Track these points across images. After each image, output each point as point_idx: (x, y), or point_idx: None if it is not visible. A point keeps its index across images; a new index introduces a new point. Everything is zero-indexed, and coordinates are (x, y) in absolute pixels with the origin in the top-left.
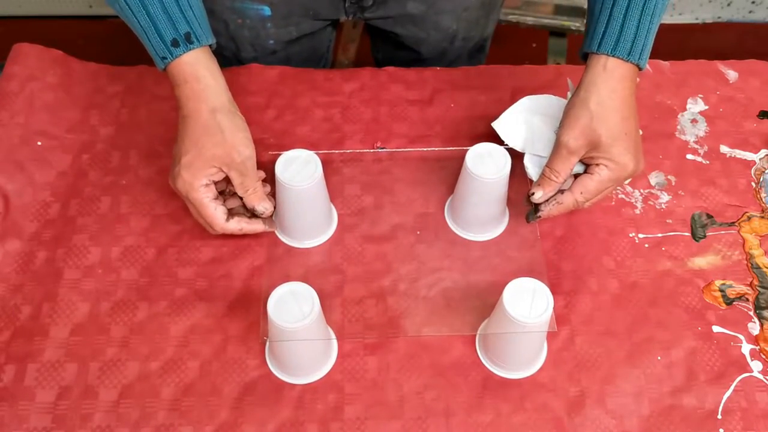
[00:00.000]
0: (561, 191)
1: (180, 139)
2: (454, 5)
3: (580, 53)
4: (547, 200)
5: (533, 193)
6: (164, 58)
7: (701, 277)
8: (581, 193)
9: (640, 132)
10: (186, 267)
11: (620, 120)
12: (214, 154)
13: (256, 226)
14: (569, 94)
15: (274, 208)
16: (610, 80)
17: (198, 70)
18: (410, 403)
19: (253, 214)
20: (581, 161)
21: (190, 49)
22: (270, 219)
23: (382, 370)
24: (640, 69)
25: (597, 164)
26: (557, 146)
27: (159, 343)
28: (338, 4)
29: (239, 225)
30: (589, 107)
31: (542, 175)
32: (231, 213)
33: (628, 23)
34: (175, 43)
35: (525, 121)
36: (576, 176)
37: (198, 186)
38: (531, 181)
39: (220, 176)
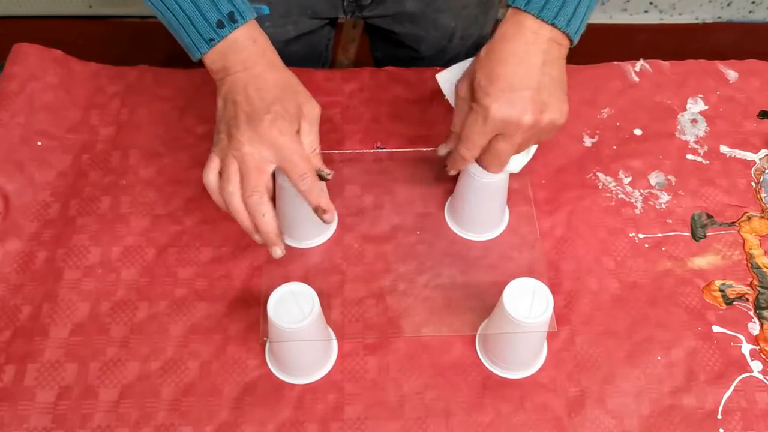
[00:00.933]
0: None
1: (254, 96)
2: (452, 3)
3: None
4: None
5: (439, 148)
6: (211, 39)
7: (701, 277)
8: (461, 141)
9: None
10: (186, 267)
11: (505, 67)
12: (297, 103)
13: (275, 249)
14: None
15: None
16: (511, 30)
17: (254, 41)
18: (410, 403)
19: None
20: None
21: (235, 28)
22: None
23: (382, 370)
24: (570, 39)
25: (470, 111)
26: (456, 98)
27: (159, 343)
28: (336, 2)
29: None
30: (479, 54)
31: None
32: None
33: None
34: (220, 24)
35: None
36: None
37: (293, 134)
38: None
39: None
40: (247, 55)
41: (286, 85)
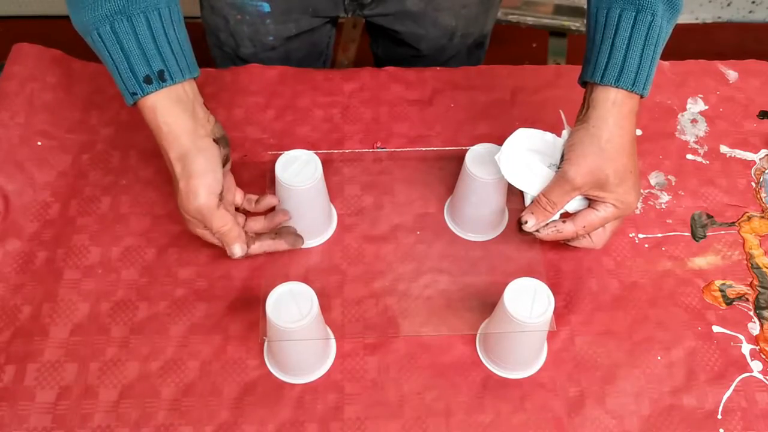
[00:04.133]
0: (561, 219)
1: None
2: (452, 2)
3: (580, 81)
4: (546, 225)
5: (525, 222)
6: (134, 93)
7: (701, 277)
8: (584, 227)
9: (639, 132)
10: (186, 267)
11: (627, 159)
12: (182, 204)
13: (279, 246)
14: (564, 133)
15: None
16: (619, 116)
17: (159, 117)
18: (410, 403)
19: (277, 234)
20: (585, 196)
21: (163, 87)
22: (294, 236)
23: (382, 370)
24: (642, 98)
25: (603, 203)
26: (560, 179)
27: (159, 343)
28: (337, 1)
29: (262, 248)
30: (600, 145)
31: (536, 203)
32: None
33: (630, 54)
34: (147, 80)
35: (524, 159)
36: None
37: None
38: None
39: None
40: (161, 135)
41: (176, 181)
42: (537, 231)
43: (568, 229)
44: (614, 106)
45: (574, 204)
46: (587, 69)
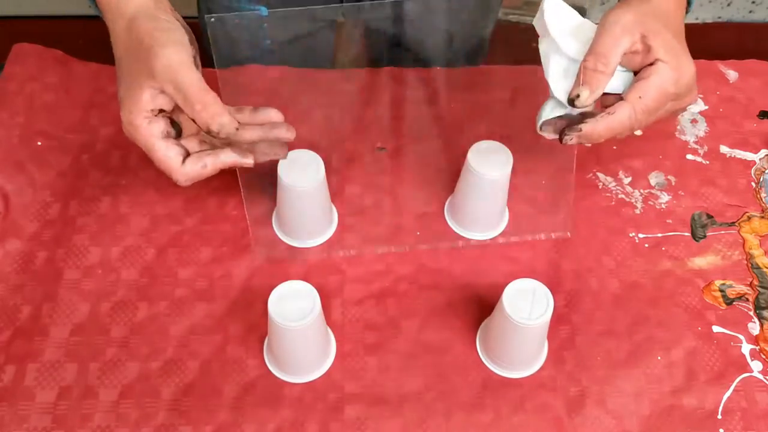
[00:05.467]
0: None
1: (117, 69)
2: (451, 7)
3: None
4: (594, 115)
5: (577, 95)
6: None
7: (701, 277)
8: (640, 97)
9: (639, 132)
10: (186, 267)
11: (680, 24)
12: (141, 72)
13: (225, 159)
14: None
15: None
16: None
17: None
18: (410, 403)
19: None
20: (629, 59)
21: None
22: (243, 152)
23: (382, 370)
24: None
25: (656, 60)
26: (605, 25)
27: (159, 343)
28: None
29: (200, 161)
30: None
31: (584, 69)
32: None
33: None
34: None
35: (571, 17)
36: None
37: (139, 124)
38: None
39: (162, 102)
40: (105, 10)
41: (135, 43)
42: (585, 124)
43: (623, 111)
44: None
45: (622, 79)
46: None
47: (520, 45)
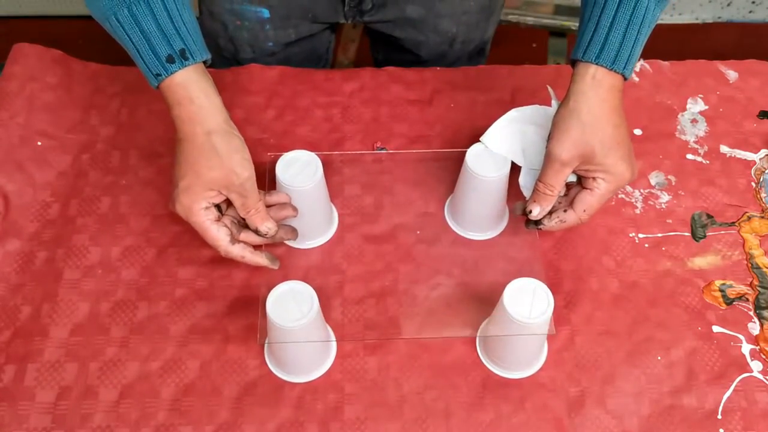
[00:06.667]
0: (562, 208)
1: (177, 162)
2: (453, 9)
3: (570, 61)
4: (549, 216)
5: (530, 211)
6: (158, 75)
7: (701, 277)
8: (584, 210)
9: (639, 132)
10: (186, 267)
11: (612, 129)
12: (212, 178)
13: (258, 260)
14: (554, 103)
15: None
16: (599, 89)
17: (191, 92)
18: (410, 403)
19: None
20: (574, 172)
21: (186, 66)
22: (272, 259)
23: (382, 370)
24: (625, 79)
25: (594, 178)
26: (549, 159)
27: (159, 343)
28: (337, 7)
29: (243, 252)
30: (580, 118)
31: (536, 190)
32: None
33: (613, 33)
34: (170, 60)
35: (519, 131)
36: (568, 185)
37: (197, 210)
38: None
39: (219, 199)
40: (182, 114)
41: (205, 154)
42: (543, 224)
43: (570, 218)
44: (594, 80)
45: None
46: (574, 48)
47: (520, 45)
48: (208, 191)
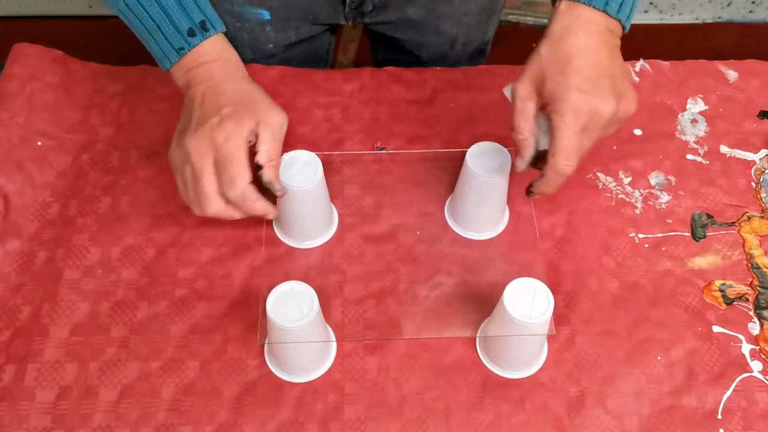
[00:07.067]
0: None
1: (208, 103)
2: (454, 10)
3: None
4: (539, 179)
5: (517, 167)
6: (181, 48)
7: (701, 277)
8: (554, 155)
9: (639, 132)
10: (186, 267)
11: (579, 60)
12: (257, 110)
13: (266, 207)
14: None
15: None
16: (578, 25)
17: (221, 53)
18: (410, 403)
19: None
20: (544, 113)
21: (207, 37)
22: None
23: (382, 370)
24: (623, 27)
25: (549, 112)
26: (513, 99)
27: (159, 343)
28: (338, 8)
29: (257, 195)
30: (539, 51)
31: (514, 141)
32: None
33: None
34: (191, 33)
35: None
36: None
37: (240, 136)
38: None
39: (254, 137)
40: (210, 68)
41: (245, 93)
42: (533, 187)
43: (549, 172)
44: (565, 17)
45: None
46: None
47: (521, 45)
48: (252, 122)
